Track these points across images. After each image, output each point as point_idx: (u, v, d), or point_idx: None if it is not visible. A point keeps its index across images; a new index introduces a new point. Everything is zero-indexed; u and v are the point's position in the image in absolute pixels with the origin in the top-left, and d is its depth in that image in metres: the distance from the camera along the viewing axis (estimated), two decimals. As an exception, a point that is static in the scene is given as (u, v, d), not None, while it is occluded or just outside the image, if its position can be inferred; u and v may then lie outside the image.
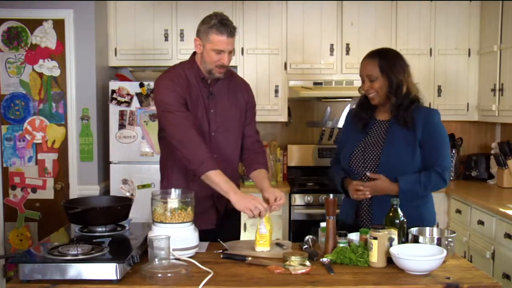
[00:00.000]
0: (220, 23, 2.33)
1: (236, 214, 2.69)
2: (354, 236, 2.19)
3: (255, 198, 2.21)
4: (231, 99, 2.51)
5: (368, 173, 2.39)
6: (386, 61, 2.38)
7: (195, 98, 2.42)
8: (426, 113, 2.41)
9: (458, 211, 3.80)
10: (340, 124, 4.35)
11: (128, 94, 3.83)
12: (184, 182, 2.47)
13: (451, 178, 4.39)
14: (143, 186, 3.85)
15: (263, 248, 2.19)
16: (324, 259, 2.03)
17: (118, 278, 1.79)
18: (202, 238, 2.25)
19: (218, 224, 2.53)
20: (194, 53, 2.48)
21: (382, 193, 2.34)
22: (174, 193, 2.13)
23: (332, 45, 4.20)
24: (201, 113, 2.43)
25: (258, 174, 2.51)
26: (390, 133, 2.42)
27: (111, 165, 3.89)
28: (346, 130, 2.63)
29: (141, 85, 3.84)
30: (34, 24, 3.83)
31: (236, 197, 2.21)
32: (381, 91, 2.39)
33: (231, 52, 2.41)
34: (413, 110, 2.38)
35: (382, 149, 2.39)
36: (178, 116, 2.32)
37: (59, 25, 3.84)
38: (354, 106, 2.64)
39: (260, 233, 2.19)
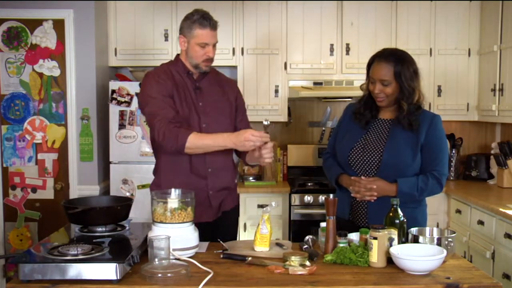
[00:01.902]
0: (202, 18, 2.43)
1: (234, 214, 2.71)
2: (354, 236, 2.19)
3: (246, 131, 2.26)
4: (219, 92, 2.58)
5: (363, 178, 2.36)
6: (401, 67, 2.35)
7: (182, 92, 2.49)
8: (430, 117, 2.42)
9: (458, 211, 3.80)
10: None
11: (128, 94, 3.83)
12: (176, 173, 2.49)
13: (451, 178, 4.40)
14: (143, 186, 3.85)
15: (262, 248, 2.19)
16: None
17: (118, 278, 1.79)
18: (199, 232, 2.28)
19: (216, 220, 2.53)
20: (178, 54, 2.59)
21: (380, 195, 2.34)
22: (174, 193, 2.13)
23: (332, 45, 4.20)
24: (189, 107, 2.48)
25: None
26: (392, 132, 2.41)
27: (111, 165, 3.89)
28: (344, 125, 2.59)
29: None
30: (34, 24, 3.83)
31: (232, 142, 2.27)
32: (391, 96, 2.38)
33: (215, 46, 2.50)
34: (419, 114, 2.39)
35: (384, 148, 2.38)
36: (161, 107, 2.36)
37: (59, 25, 3.84)
38: (353, 102, 2.62)
39: (261, 233, 2.19)
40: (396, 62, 2.35)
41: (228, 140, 2.29)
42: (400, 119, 2.38)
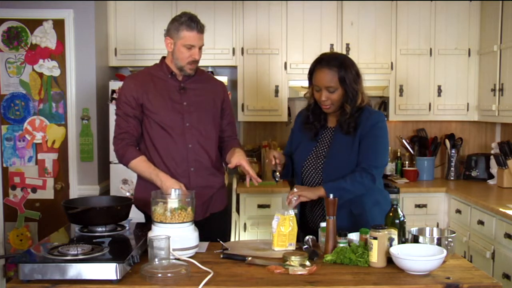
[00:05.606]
0: (190, 20, 2.47)
1: (224, 216, 2.74)
2: (354, 236, 2.19)
3: (177, 182, 2.38)
4: (204, 93, 2.60)
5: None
6: (345, 72, 2.30)
7: (165, 93, 2.53)
8: (367, 115, 2.35)
9: (458, 211, 3.80)
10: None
11: (128, 94, 3.82)
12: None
13: (451, 178, 4.40)
14: (143, 186, 3.84)
15: (279, 248, 2.19)
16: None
17: (118, 278, 1.79)
18: None
19: (204, 220, 2.54)
20: (163, 57, 2.61)
21: (312, 195, 2.27)
22: (174, 193, 2.13)
23: (332, 45, 4.20)
24: (171, 105, 2.52)
25: (231, 148, 2.60)
26: (334, 140, 2.39)
27: (111, 165, 3.89)
28: (296, 134, 2.55)
29: (141, 85, 3.84)
30: (34, 24, 3.83)
31: (162, 178, 2.39)
32: (337, 102, 2.34)
33: (201, 49, 2.52)
34: (358, 116, 2.34)
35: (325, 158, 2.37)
36: (119, 116, 2.58)
37: (59, 25, 3.84)
38: (303, 109, 2.55)
39: (272, 230, 2.20)
40: (339, 67, 2.30)
41: (156, 178, 2.40)
42: (341, 123, 2.35)
